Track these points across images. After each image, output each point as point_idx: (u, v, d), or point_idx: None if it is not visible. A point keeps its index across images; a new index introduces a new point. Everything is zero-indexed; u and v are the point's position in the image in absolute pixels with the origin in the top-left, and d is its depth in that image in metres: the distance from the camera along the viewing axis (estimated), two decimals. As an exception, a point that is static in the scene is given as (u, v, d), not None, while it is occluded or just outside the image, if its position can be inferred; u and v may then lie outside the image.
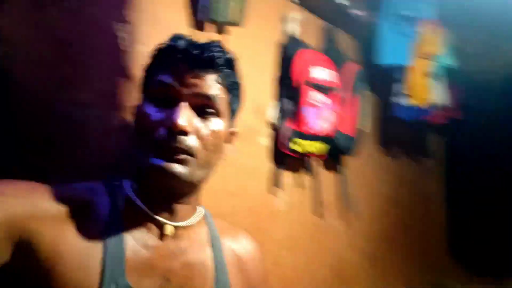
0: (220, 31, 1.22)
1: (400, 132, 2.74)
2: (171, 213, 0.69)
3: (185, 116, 0.64)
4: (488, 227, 3.12)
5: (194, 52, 0.66)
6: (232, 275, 0.75)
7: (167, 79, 0.66)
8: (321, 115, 1.49)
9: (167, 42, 0.70)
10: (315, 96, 1.47)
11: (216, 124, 0.69)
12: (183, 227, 0.70)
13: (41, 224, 0.59)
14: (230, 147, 0.76)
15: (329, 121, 1.53)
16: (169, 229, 0.68)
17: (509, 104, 2.49)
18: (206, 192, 1.12)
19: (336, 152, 1.76)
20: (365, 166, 2.28)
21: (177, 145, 0.63)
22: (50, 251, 0.58)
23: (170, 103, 0.66)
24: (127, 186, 0.69)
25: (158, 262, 0.66)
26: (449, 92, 2.24)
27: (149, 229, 0.67)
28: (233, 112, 0.74)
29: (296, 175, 1.61)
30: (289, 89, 1.45)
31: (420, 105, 2.06)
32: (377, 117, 2.43)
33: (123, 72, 0.96)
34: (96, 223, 0.63)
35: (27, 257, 0.58)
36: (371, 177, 2.35)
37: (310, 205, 1.70)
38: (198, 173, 0.67)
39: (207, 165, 0.69)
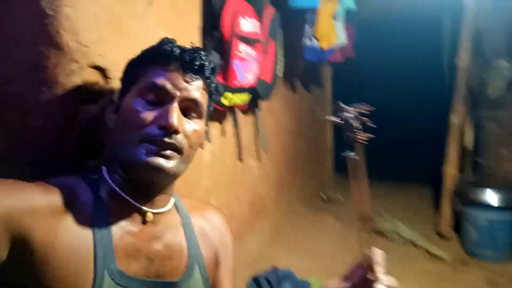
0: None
1: (304, 70, 2.90)
2: (152, 202, 0.74)
3: (177, 117, 0.68)
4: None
5: (187, 58, 0.71)
6: (204, 249, 0.81)
7: (163, 82, 0.70)
8: (248, 67, 1.49)
9: (160, 46, 0.73)
10: (244, 49, 1.45)
11: (198, 124, 0.74)
12: (161, 213, 0.76)
13: (35, 220, 0.61)
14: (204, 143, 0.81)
15: (254, 73, 1.54)
16: (150, 216, 0.73)
17: (394, 42, 2.80)
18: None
19: (256, 99, 1.82)
20: (275, 106, 2.40)
21: (169, 142, 0.68)
22: (44, 245, 0.61)
23: (160, 102, 0.70)
24: (107, 177, 0.72)
25: (141, 246, 0.71)
26: (346, 32, 2.40)
27: (131, 217, 0.72)
28: (208, 113, 0.80)
29: (221, 126, 1.64)
30: (217, 42, 1.40)
31: (326, 47, 2.18)
32: (289, 60, 2.52)
33: (49, 40, 0.82)
34: (83, 215, 0.66)
35: (22, 253, 0.60)
36: (279, 115, 2.49)
37: (231, 152, 1.77)
38: (182, 167, 0.73)
39: (189, 160, 0.74)
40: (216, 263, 0.84)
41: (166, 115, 0.68)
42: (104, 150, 0.78)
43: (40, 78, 0.82)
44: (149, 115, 0.69)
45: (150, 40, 1.07)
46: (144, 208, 0.73)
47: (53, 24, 0.82)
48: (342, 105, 0.91)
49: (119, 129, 0.72)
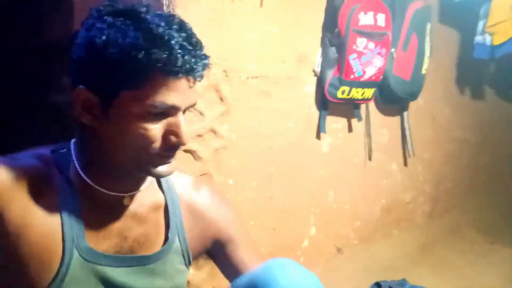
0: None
1: (484, 73, 2.51)
2: (128, 186, 0.72)
3: (185, 128, 0.66)
4: None
5: (194, 65, 0.63)
6: (190, 223, 0.79)
7: (174, 100, 0.63)
8: (368, 61, 1.49)
9: (169, 51, 0.60)
10: (363, 43, 1.46)
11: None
12: (136, 193, 0.74)
13: (9, 198, 0.63)
14: None
15: (377, 67, 1.52)
16: (126, 200, 0.72)
17: None
18: (243, 135, 1.30)
19: (393, 97, 1.75)
20: (436, 110, 2.20)
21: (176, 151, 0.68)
22: (18, 222, 0.63)
23: (165, 112, 0.64)
24: (75, 161, 0.70)
25: (114, 224, 0.71)
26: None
27: (102, 198, 0.70)
28: None
29: (342, 119, 1.67)
30: (335, 37, 1.46)
31: (499, 43, 1.86)
32: (457, 57, 2.26)
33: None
34: (53, 192, 0.67)
35: None
36: (443, 121, 2.26)
37: (357, 148, 1.76)
38: None
39: None
40: (214, 237, 0.82)
41: (179, 133, 0.65)
42: (82, 139, 0.71)
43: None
44: (157, 131, 0.64)
45: (256, 35, 1.25)
46: (118, 194, 0.71)
47: None
48: None
49: (119, 142, 0.65)
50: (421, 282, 1.87)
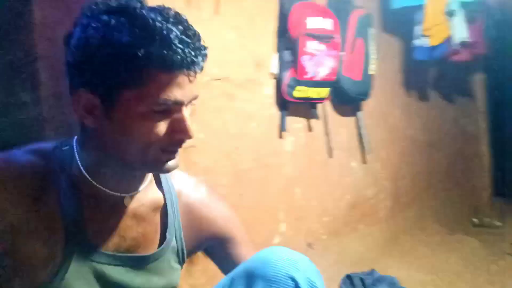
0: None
1: (427, 76, 2.74)
2: (129, 186, 0.73)
3: (190, 123, 0.66)
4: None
5: (194, 58, 0.62)
6: (187, 223, 0.81)
7: (176, 96, 0.63)
8: (320, 62, 1.61)
9: (168, 46, 0.60)
10: (313, 46, 1.59)
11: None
12: (136, 193, 0.75)
13: (9, 195, 0.63)
14: None
15: (328, 67, 1.65)
16: (127, 200, 0.73)
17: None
18: (210, 134, 1.36)
19: (345, 97, 1.89)
20: (389, 110, 2.36)
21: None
22: (17, 219, 0.63)
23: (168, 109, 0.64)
24: (78, 160, 0.70)
25: (114, 223, 0.72)
26: (470, 27, 2.19)
27: (103, 197, 0.71)
28: None
29: (302, 119, 1.78)
30: (288, 41, 1.58)
31: (436, 44, 2.06)
32: (401, 60, 2.46)
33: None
34: (53, 190, 0.67)
35: None
36: (396, 121, 2.43)
37: (318, 146, 1.87)
38: None
39: None
40: (213, 235, 0.84)
41: (183, 128, 0.65)
42: (86, 139, 0.70)
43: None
44: (162, 127, 0.64)
45: (215, 40, 1.33)
46: (116, 193, 0.71)
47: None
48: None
49: (124, 140, 0.65)
50: (389, 271, 1.96)
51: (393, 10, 2.12)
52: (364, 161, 2.18)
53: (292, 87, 1.59)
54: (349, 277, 1.87)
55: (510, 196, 3.43)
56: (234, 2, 1.45)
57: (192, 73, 0.63)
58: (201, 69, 0.65)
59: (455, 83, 3.02)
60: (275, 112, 1.65)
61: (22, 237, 0.63)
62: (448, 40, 2.12)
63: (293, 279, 0.71)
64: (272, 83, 1.63)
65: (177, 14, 0.64)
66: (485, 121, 3.33)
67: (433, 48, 2.10)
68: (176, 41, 0.60)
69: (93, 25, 0.61)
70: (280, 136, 1.68)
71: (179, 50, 0.60)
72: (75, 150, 0.70)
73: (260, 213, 1.59)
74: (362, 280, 1.86)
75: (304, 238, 1.81)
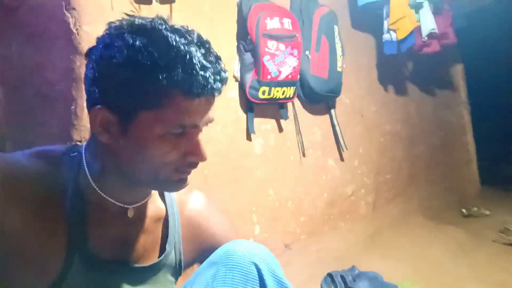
0: (169, 0, 1.38)
1: (403, 70, 2.75)
2: (134, 198, 0.74)
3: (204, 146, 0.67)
4: None
5: (213, 85, 0.62)
6: (186, 234, 0.82)
7: (195, 121, 0.64)
8: (282, 62, 1.62)
9: (191, 73, 0.60)
10: (274, 45, 1.59)
11: None
12: (139, 204, 0.76)
13: (13, 200, 0.62)
14: None
15: (291, 66, 1.65)
16: (130, 211, 0.74)
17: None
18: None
19: (314, 95, 1.88)
20: (363, 105, 2.36)
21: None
22: (20, 224, 0.62)
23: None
24: (86, 168, 0.70)
25: (116, 233, 0.72)
26: (438, 18, 2.20)
27: (108, 207, 0.71)
28: None
29: (271, 120, 1.78)
30: (248, 43, 1.59)
31: (402, 37, 2.07)
32: (375, 56, 2.47)
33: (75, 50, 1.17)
34: (59, 196, 0.67)
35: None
36: (371, 116, 2.43)
37: (290, 146, 1.87)
38: None
39: None
40: (213, 247, 0.82)
41: (198, 151, 0.66)
42: (98, 153, 0.70)
43: (73, 78, 1.19)
44: (177, 149, 0.65)
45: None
46: (124, 205, 0.72)
47: (77, 38, 1.18)
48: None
49: (138, 159, 0.65)
50: (371, 267, 1.94)
51: (360, 7, 2.12)
52: (341, 159, 2.17)
53: (255, 89, 1.59)
54: (330, 275, 1.86)
55: (497, 184, 3.43)
56: (189, 9, 1.46)
57: (211, 98, 0.64)
58: (220, 93, 0.65)
59: (433, 75, 3.03)
60: (241, 114, 1.65)
61: (24, 241, 0.63)
62: (413, 32, 2.12)
63: (255, 265, 0.73)
64: (235, 86, 1.63)
65: (200, 37, 0.64)
66: (467, 111, 3.34)
67: (400, 41, 2.11)
68: (198, 66, 0.60)
69: (116, 44, 0.61)
70: (249, 139, 1.68)
71: (200, 77, 0.60)
72: (84, 158, 0.70)
73: (232, 217, 1.58)
74: (342, 277, 1.84)
75: (281, 239, 1.80)
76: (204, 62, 0.61)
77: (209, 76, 0.61)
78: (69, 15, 1.18)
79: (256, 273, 0.73)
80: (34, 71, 1.22)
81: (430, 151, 2.98)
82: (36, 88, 1.22)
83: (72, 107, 1.17)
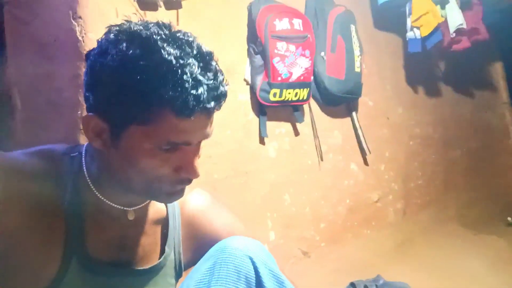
0: (176, 6, 1.40)
1: (435, 70, 2.62)
2: (133, 201, 0.73)
3: (197, 162, 0.65)
4: None
5: (207, 104, 0.59)
6: (186, 235, 0.81)
7: (189, 139, 0.62)
8: (293, 63, 1.58)
9: (185, 90, 0.57)
10: (284, 47, 1.56)
11: None
12: (138, 207, 0.75)
13: (12, 198, 0.61)
14: None
15: (303, 67, 1.61)
16: (131, 214, 0.73)
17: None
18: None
19: (331, 97, 1.83)
20: (388, 108, 2.27)
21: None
22: (19, 224, 0.61)
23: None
24: (85, 171, 0.69)
25: (115, 235, 0.72)
26: (467, 14, 2.07)
27: (107, 209, 0.70)
28: None
29: (286, 124, 1.74)
30: (258, 46, 1.57)
31: (426, 34, 1.97)
32: (401, 56, 2.37)
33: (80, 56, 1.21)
34: (58, 196, 0.66)
35: None
36: (397, 118, 2.32)
37: (308, 150, 1.81)
38: None
39: None
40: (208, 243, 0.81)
41: (190, 168, 0.64)
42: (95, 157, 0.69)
43: (78, 84, 1.22)
44: (167, 165, 0.63)
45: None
46: (123, 208, 0.71)
47: (83, 45, 1.22)
48: None
49: (129, 170, 0.64)
50: (399, 279, 1.83)
51: (379, 5, 2.05)
52: (365, 163, 2.09)
53: (266, 91, 1.57)
54: (352, 285, 1.77)
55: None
56: (196, 14, 1.47)
57: (205, 116, 0.61)
58: (219, 108, 0.62)
59: (468, 75, 2.86)
60: (252, 118, 1.63)
61: (20, 241, 0.62)
62: (439, 28, 2.01)
63: (250, 258, 0.72)
64: (246, 90, 1.61)
65: (199, 47, 0.61)
66: (510, 112, 3.12)
67: (424, 38, 2.00)
68: (190, 84, 0.57)
69: (111, 52, 0.59)
70: (262, 142, 1.65)
71: (191, 96, 0.57)
72: (84, 158, 0.70)
73: (244, 221, 1.54)
74: (366, 287, 1.75)
75: (298, 246, 1.74)
76: (199, 77, 0.57)
77: (202, 93, 0.57)
78: (75, 23, 1.22)
79: (252, 267, 0.72)
80: (45, 79, 1.27)
81: (468, 155, 2.79)
82: (47, 95, 1.27)
83: (79, 112, 1.21)
